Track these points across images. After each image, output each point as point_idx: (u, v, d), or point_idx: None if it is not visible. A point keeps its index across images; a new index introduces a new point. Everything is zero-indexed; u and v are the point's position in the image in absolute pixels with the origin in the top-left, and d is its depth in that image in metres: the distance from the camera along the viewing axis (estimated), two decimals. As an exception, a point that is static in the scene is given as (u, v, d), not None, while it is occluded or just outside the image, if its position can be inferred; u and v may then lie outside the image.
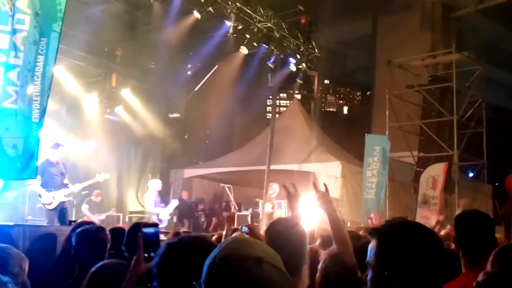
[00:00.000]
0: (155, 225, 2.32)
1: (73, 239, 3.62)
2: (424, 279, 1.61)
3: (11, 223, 6.87)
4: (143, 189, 17.53)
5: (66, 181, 8.93)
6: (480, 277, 2.12)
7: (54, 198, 8.59)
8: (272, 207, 12.74)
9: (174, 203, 12.18)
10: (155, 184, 11.94)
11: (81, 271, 3.31)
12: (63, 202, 8.73)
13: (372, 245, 1.71)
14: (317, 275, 3.09)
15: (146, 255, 2.21)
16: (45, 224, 8.41)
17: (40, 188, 8.56)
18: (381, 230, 1.73)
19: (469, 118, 14.89)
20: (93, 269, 2.91)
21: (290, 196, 3.49)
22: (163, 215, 11.56)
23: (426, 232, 1.69)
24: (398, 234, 1.67)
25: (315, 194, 3.35)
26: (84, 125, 14.87)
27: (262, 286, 1.24)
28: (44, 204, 8.66)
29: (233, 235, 5.80)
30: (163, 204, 11.82)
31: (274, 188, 12.58)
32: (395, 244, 1.64)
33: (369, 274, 1.71)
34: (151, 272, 2.14)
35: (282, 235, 2.51)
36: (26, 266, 2.93)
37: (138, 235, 2.27)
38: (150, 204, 11.58)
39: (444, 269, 1.65)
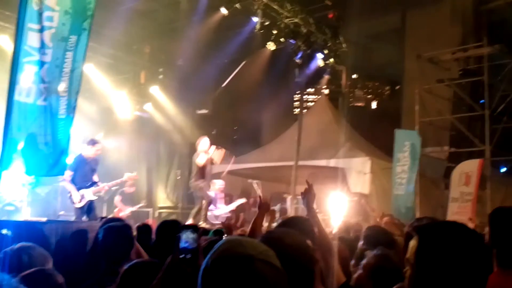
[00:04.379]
0: (194, 227, 2.33)
1: (99, 235, 3.67)
2: (464, 279, 1.57)
3: (44, 219, 7.01)
4: (171, 185, 17.72)
5: (96, 178, 9.03)
6: None
7: (83, 197, 8.69)
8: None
9: (239, 201, 12.39)
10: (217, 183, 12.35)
11: (108, 267, 3.36)
12: (91, 200, 8.82)
13: (412, 243, 1.70)
14: (361, 273, 3.08)
15: (182, 256, 2.22)
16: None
17: (71, 185, 8.66)
18: (423, 228, 1.73)
19: (501, 113, 14.54)
20: (125, 267, 2.93)
21: (307, 194, 3.49)
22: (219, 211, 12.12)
23: (469, 233, 1.65)
24: (439, 233, 1.65)
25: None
26: (114, 121, 15.09)
27: (255, 283, 1.27)
28: (73, 202, 8.77)
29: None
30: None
31: None
32: (436, 243, 1.63)
33: (408, 271, 1.70)
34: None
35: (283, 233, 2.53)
36: (50, 264, 2.96)
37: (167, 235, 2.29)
38: None
39: (487, 269, 1.62)
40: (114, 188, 11.74)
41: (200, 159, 10.10)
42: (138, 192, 15.15)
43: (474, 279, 1.58)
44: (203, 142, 10.31)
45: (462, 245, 1.60)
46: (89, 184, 8.81)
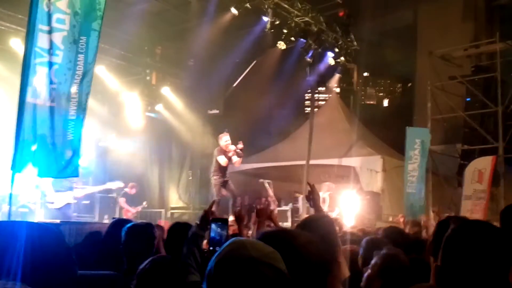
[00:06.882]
0: (224, 220, 2.34)
1: (122, 234, 3.69)
2: (487, 274, 1.57)
3: (58, 221, 7.05)
4: (183, 185, 17.77)
5: (72, 183, 9.14)
6: None
7: (58, 199, 8.81)
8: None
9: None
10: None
11: (130, 265, 3.40)
12: (69, 204, 8.94)
13: (435, 227, 1.68)
14: (370, 273, 3.06)
15: (211, 248, 2.24)
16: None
17: (50, 186, 8.77)
18: (463, 224, 1.71)
19: (515, 109, 14.42)
20: (143, 265, 2.97)
21: (312, 195, 3.46)
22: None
23: (489, 229, 1.64)
24: (459, 233, 1.63)
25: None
26: (125, 123, 15.15)
27: (256, 284, 1.29)
28: (47, 203, 8.89)
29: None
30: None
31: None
32: (457, 243, 1.61)
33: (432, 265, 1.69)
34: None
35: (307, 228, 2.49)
36: None
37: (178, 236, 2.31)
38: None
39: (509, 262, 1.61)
40: (120, 190, 11.99)
41: (221, 159, 10.17)
42: (150, 194, 15.25)
43: (495, 273, 1.57)
44: (224, 138, 10.34)
45: (481, 241, 1.59)
46: (65, 188, 8.92)
